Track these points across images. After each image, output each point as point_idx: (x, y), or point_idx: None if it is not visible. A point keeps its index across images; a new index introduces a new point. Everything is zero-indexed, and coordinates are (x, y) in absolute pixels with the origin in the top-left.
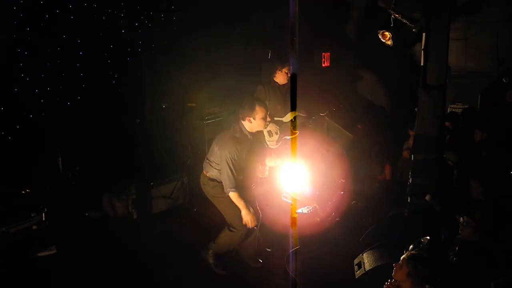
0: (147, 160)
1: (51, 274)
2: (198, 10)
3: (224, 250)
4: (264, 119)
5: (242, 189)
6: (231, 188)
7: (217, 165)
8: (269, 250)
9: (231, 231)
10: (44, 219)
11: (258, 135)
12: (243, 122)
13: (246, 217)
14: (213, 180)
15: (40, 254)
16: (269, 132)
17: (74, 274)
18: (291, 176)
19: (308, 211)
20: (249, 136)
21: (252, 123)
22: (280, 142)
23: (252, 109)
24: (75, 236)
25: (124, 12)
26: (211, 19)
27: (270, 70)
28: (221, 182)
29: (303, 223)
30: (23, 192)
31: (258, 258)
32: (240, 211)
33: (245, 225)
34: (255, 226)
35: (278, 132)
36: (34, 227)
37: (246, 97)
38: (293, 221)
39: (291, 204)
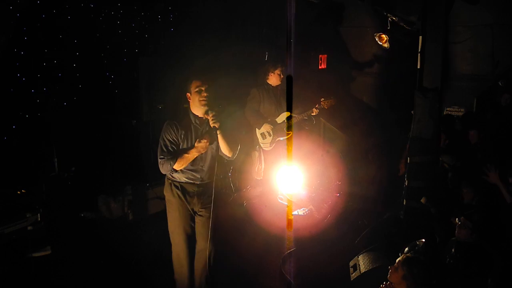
0: (144, 161)
1: (46, 274)
2: (195, 11)
3: (175, 272)
4: (198, 92)
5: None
6: (164, 161)
7: None
8: None
9: (174, 246)
10: (39, 219)
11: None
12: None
13: (201, 144)
14: (166, 177)
15: (35, 255)
16: (262, 135)
17: (69, 275)
18: (287, 178)
19: (304, 213)
20: (192, 121)
21: (191, 101)
22: (274, 144)
23: (187, 83)
24: (70, 237)
25: (121, 12)
26: (207, 20)
27: (263, 71)
28: (170, 178)
29: (299, 224)
30: (18, 192)
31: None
32: (182, 219)
33: (185, 236)
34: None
35: (272, 133)
36: (29, 228)
37: None
38: (289, 223)
39: (287, 206)
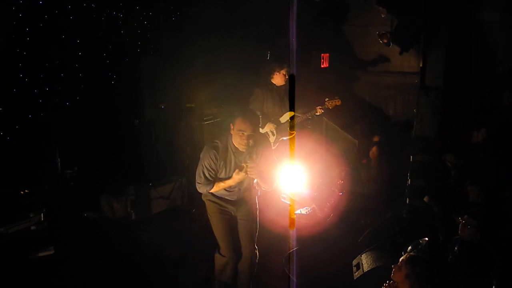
0: (146, 161)
1: (49, 274)
2: (196, 11)
3: (217, 277)
4: (240, 134)
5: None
6: (201, 186)
7: None
8: None
9: (222, 255)
10: (42, 219)
11: (250, 152)
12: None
13: (239, 176)
14: (205, 198)
15: (38, 255)
16: (266, 134)
17: (72, 275)
18: (290, 177)
19: (306, 212)
20: (233, 149)
21: (232, 132)
22: (277, 144)
23: (234, 118)
24: (73, 237)
25: (123, 13)
26: (208, 20)
27: (267, 71)
28: (208, 195)
29: (302, 224)
30: (21, 192)
31: None
32: (228, 235)
33: (234, 254)
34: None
35: (275, 133)
36: (33, 228)
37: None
38: (292, 222)
39: (290, 205)
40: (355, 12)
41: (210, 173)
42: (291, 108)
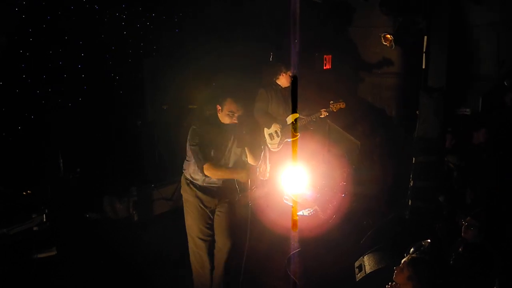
0: (148, 162)
1: (51, 275)
2: (198, 12)
3: (195, 273)
4: (230, 115)
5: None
6: (204, 161)
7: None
8: None
9: (195, 251)
10: (45, 220)
11: (235, 129)
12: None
13: (246, 177)
14: (184, 177)
15: (40, 256)
16: (271, 135)
17: (74, 276)
18: (292, 178)
19: (309, 213)
20: (219, 122)
21: (219, 114)
22: (282, 145)
23: (223, 99)
24: (75, 237)
25: (125, 14)
26: (211, 21)
27: (272, 72)
28: (189, 178)
29: (304, 225)
30: (24, 193)
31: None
32: (202, 223)
33: (208, 240)
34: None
35: (280, 134)
36: (35, 228)
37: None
38: (294, 223)
39: (292, 207)
40: (357, 13)
41: (206, 149)
42: (294, 110)
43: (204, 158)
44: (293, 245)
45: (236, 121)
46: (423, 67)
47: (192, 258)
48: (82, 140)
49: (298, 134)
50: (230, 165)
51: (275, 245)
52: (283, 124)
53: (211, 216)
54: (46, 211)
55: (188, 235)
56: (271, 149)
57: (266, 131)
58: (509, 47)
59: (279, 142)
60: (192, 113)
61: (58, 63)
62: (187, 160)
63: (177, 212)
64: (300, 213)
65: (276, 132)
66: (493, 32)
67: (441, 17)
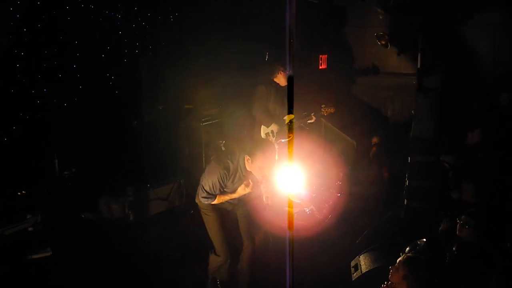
0: (145, 162)
1: (47, 276)
2: (195, 11)
3: (213, 274)
4: (258, 169)
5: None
6: (201, 197)
7: None
8: None
9: (217, 255)
10: (40, 221)
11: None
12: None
13: (244, 191)
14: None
15: (35, 256)
16: (267, 134)
17: (69, 276)
18: (288, 178)
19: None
20: (240, 170)
21: (250, 165)
22: (277, 145)
23: (252, 152)
24: (71, 238)
25: (121, 13)
26: (208, 20)
27: (269, 71)
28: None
29: (300, 225)
30: (18, 193)
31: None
32: (223, 235)
33: (229, 254)
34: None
35: (275, 135)
36: (30, 229)
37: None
38: (290, 223)
39: (288, 206)
40: (353, 13)
41: (219, 189)
42: (290, 110)
43: (207, 193)
44: (289, 244)
45: (262, 176)
46: (419, 66)
47: (213, 263)
48: (78, 140)
49: (292, 135)
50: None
51: (270, 245)
52: (281, 124)
53: (233, 219)
54: (41, 211)
55: (213, 243)
56: None
57: (263, 130)
58: (505, 48)
59: (275, 141)
60: (189, 113)
61: (54, 63)
62: None
63: (173, 213)
64: (295, 212)
65: (272, 132)
66: (489, 32)
67: (438, 17)
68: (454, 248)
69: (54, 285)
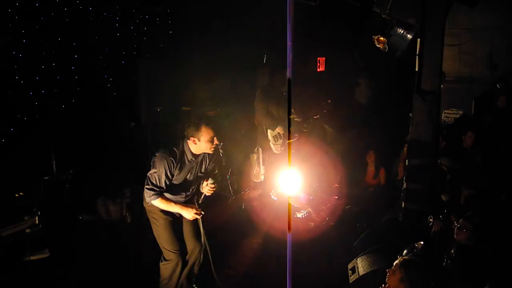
0: (142, 164)
1: (44, 278)
2: (194, 13)
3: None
4: (211, 141)
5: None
6: (153, 194)
7: None
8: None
9: (166, 260)
10: (37, 222)
11: (206, 156)
12: (188, 141)
13: (187, 213)
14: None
15: (33, 258)
16: (275, 137)
17: (67, 278)
18: (286, 180)
19: (302, 215)
20: (189, 158)
21: (197, 145)
22: (283, 147)
23: (197, 129)
24: (68, 239)
25: (119, 15)
26: (206, 23)
27: (269, 72)
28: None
29: (298, 227)
30: (16, 195)
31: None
32: (171, 234)
33: (180, 256)
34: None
35: (282, 136)
36: (28, 231)
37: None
38: (288, 225)
39: (287, 209)
40: (351, 16)
41: (166, 180)
42: (289, 113)
43: (152, 184)
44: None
45: (213, 149)
46: (416, 69)
47: (164, 268)
48: (75, 141)
49: (297, 135)
50: (194, 191)
51: (268, 248)
52: (285, 126)
53: (180, 221)
54: (39, 213)
55: (161, 248)
56: (275, 151)
57: (270, 133)
58: (502, 51)
59: (282, 143)
60: (186, 115)
61: (52, 64)
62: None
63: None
64: (293, 215)
65: (279, 134)
66: (487, 36)
67: (436, 19)
68: (452, 251)
69: (52, 286)
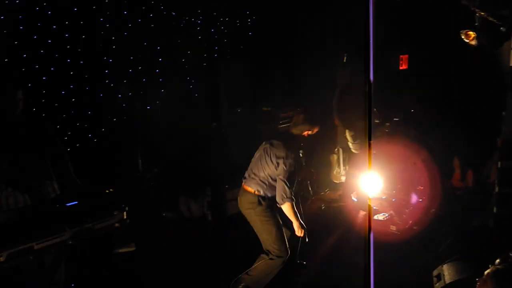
0: (223, 163)
1: (130, 270)
2: (273, 14)
3: (260, 283)
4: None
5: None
6: (288, 198)
7: (265, 178)
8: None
9: (271, 259)
10: (125, 217)
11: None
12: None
13: (299, 227)
14: (261, 197)
15: (120, 251)
16: (353, 137)
17: (151, 272)
18: (367, 181)
19: (384, 218)
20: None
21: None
22: (361, 147)
23: (314, 125)
24: (153, 235)
25: (201, 19)
26: (285, 22)
27: (348, 73)
28: (266, 199)
29: (379, 230)
30: (107, 191)
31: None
32: (281, 234)
33: (287, 251)
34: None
35: (357, 138)
36: (116, 225)
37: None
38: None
39: (367, 210)
40: (437, 9)
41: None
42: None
43: (289, 193)
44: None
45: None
46: (510, 64)
47: (275, 264)
48: (159, 141)
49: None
50: None
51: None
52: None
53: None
54: (127, 208)
55: (270, 251)
56: (353, 150)
57: (348, 133)
58: None
59: (360, 143)
60: (266, 116)
61: (138, 68)
62: (261, 181)
63: None
64: (374, 217)
65: (355, 134)
66: None
67: None
68: None
69: (137, 277)
